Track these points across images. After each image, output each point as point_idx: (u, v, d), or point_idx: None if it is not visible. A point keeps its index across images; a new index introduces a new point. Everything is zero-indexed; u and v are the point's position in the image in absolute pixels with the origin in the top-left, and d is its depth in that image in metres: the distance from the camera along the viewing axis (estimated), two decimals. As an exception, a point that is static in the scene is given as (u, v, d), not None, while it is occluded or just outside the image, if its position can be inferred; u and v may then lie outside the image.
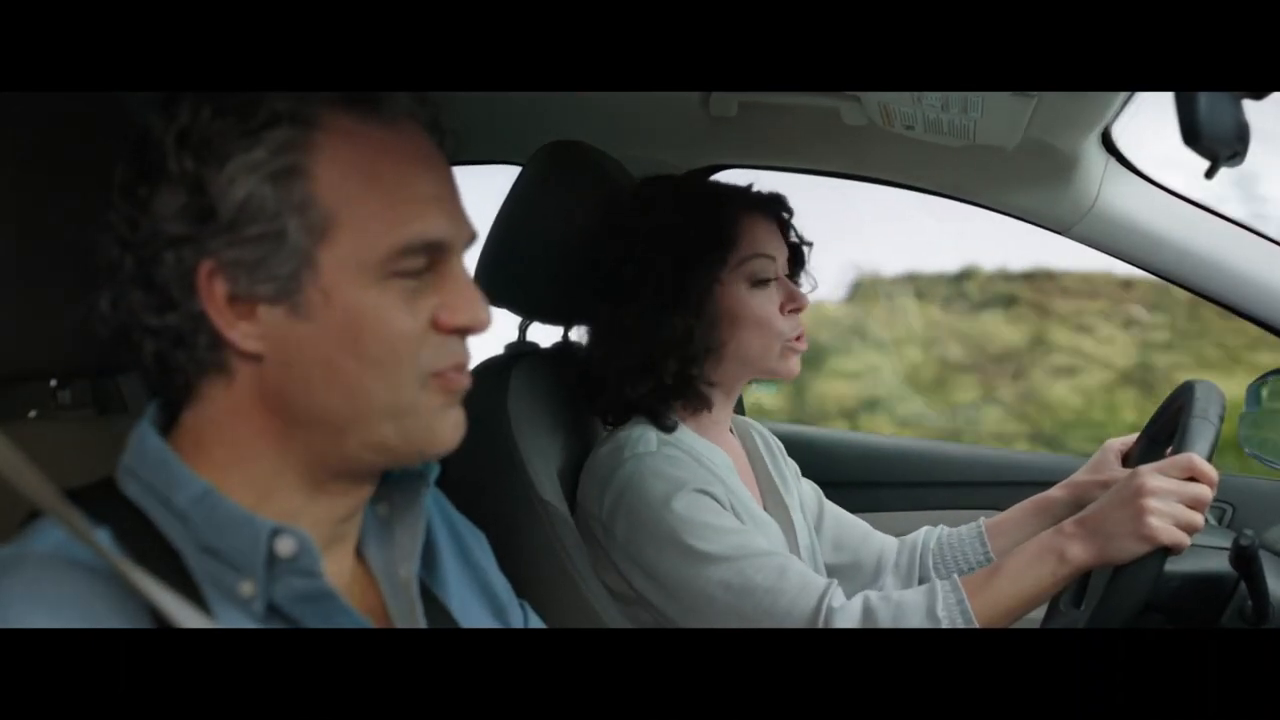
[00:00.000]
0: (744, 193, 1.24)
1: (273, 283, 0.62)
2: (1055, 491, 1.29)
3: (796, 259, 1.28)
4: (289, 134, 0.62)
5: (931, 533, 1.36)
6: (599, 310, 1.21)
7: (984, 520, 1.33)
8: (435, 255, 0.66)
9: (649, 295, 1.16)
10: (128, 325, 0.65)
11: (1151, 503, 0.98)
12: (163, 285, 0.63)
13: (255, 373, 0.64)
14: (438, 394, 0.67)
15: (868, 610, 1.04)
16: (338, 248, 0.63)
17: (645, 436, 1.16)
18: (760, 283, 1.19)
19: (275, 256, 0.62)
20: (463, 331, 0.68)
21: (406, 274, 0.65)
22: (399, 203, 0.64)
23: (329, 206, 0.63)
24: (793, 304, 1.21)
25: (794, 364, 1.22)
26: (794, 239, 1.27)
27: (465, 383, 0.69)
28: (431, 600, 0.77)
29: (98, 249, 0.65)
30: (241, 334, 0.63)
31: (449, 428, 0.68)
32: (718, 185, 1.29)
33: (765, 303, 1.19)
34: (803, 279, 1.30)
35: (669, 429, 1.18)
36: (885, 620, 1.03)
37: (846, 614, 1.04)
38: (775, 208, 1.24)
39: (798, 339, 1.21)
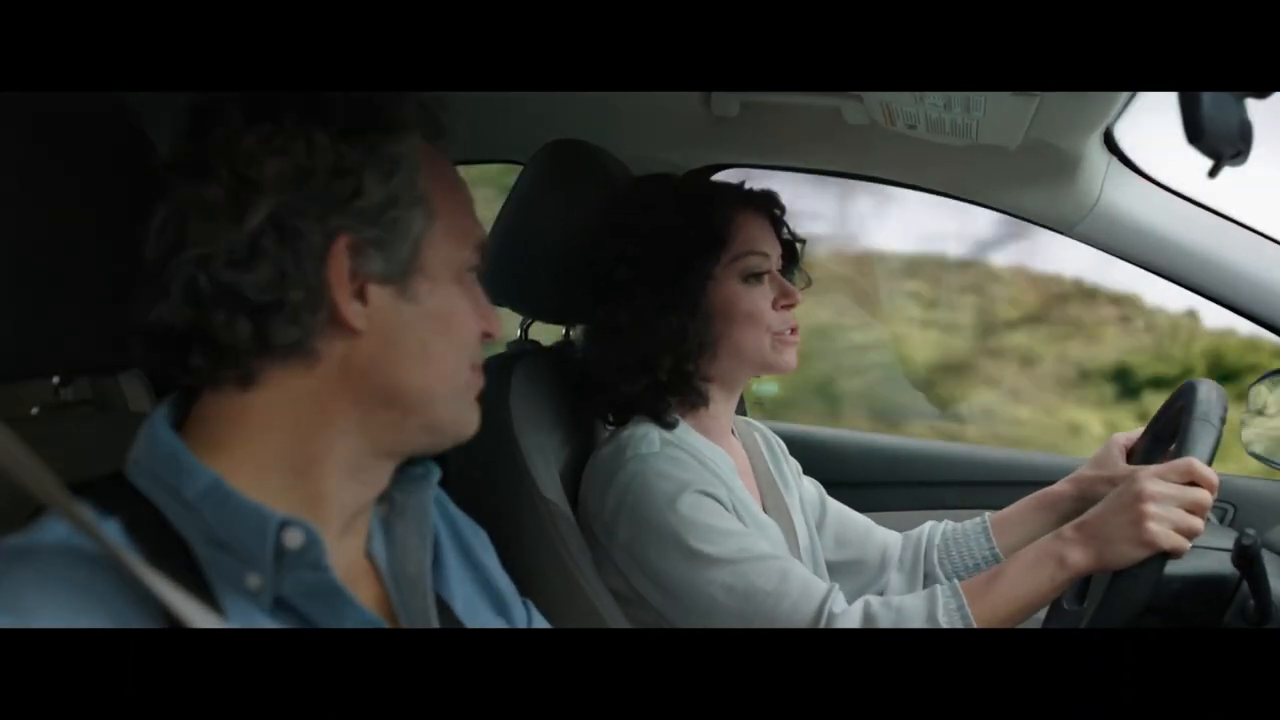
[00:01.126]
0: (737, 191, 1.25)
1: (393, 264, 0.68)
2: (1060, 486, 1.29)
3: (789, 256, 1.29)
4: (411, 135, 0.70)
5: (936, 528, 1.36)
6: (596, 310, 1.22)
7: (989, 515, 1.33)
8: (482, 257, 0.75)
9: (644, 294, 1.17)
10: (216, 304, 0.64)
11: (1151, 508, 0.98)
12: (282, 258, 0.64)
13: (344, 351, 0.67)
14: (474, 385, 0.75)
15: (868, 615, 1.05)
16: (438, 240, 0.71)
17: (648, 436, 1.16)
18: (753, 278, 1.20)
19: (401, 240, 0.68)
20: (485, 336, 0.75)
21: (472, 272, 0.74)
22: (468, 206, 0.75)
23: (434, 203, 0.71)
24: (785, 299, 1.22)
25: (790, 356, 1.22)
26: (786, 236, 1.28)
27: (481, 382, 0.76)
28: (435, 598, 0.77)
29: (163, 236, 0.65)
30: (353, 311, 0.67)
31: (475, 419, 0.75)
32: (711, 184, 1.30)
33: (758, 298, 1.20)
34: (796, 276, 1.30)
35: (670, 426, 1.19)
36: (886, 625, 1.04)
37: (847, 619, 1.05)
38: (768, 205, 1.25)
39: (791, 332, 1.22)
